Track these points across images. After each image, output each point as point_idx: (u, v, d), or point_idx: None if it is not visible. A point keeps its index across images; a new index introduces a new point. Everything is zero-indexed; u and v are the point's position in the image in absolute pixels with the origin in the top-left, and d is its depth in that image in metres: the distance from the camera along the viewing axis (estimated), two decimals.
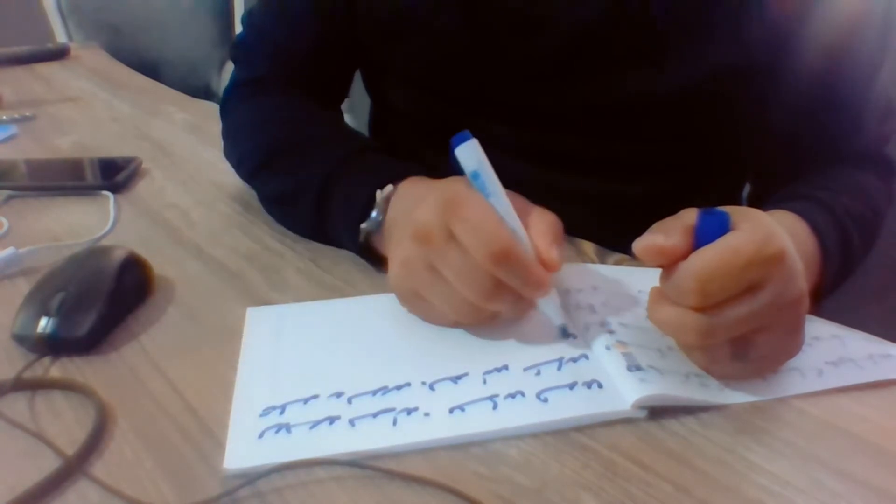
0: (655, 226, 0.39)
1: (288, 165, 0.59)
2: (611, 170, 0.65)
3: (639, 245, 0.38)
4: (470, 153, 0.42)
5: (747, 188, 0.77)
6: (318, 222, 0.56)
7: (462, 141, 0.42)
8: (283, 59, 0.69)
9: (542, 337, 0.45)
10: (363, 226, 0.51)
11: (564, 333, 0.44)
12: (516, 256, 0.40)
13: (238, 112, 0.69)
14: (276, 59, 0.69)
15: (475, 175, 0.42)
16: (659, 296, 0.39)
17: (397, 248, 0.45)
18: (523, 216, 0.43)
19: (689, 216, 0.39)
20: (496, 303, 0.41)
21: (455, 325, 0.45)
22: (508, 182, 0.69)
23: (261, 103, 0.68)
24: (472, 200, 0.41)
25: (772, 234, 0.37)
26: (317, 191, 0.55)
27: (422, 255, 0.42)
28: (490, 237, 0.39)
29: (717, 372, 0.41)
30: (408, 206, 0.47)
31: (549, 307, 0.44)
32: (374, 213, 0.51)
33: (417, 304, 0.45)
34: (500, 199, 0.42)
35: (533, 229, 0.43)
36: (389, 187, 0.51)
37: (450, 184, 0.44)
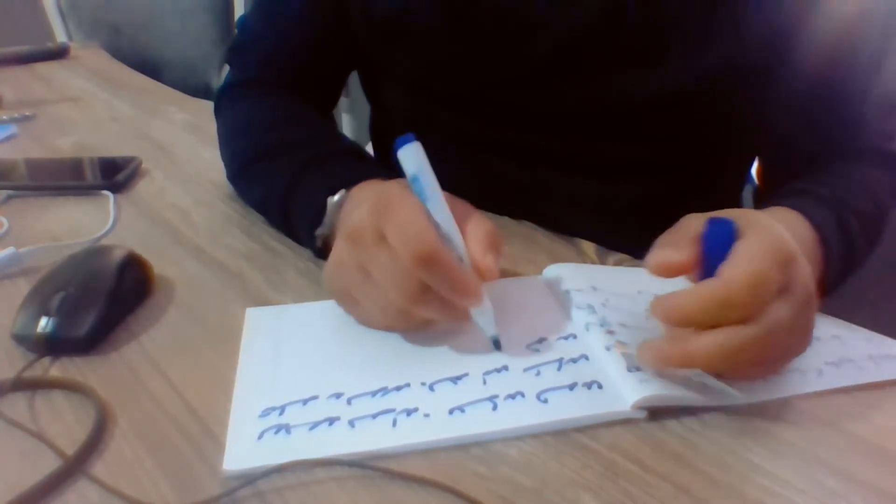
0: (662, 240, 0.40)
1: (261, 171, 0.61)
2: (610, 170, 0.65)
3: (652, 262, 0.39)
4: (411, 156, 0.42)
5: (747, 188, 0.77)
6: (287, 228, 0.58)
7: (405, 143, 0.42)
8: (273, 63, 0.70)
9: (543, 335, 0.45)
10: (317, 231, 0.52)
11: (497, 346, 0.43)
12: (442, 260, 0.39)
13: (228, 113, 0.70)
14: (265, 63, 0.70)
15: (414, 178, 0.42)
16: (675, 337, 0.38)
17: (334, 249, 0.45)
18: (462, 223, 0.43)
19: (691, 225, 0.39)
20: (423, 308, 0.41)
21: (387, 328, 0.45)
22: (508, 183, 0.69)
23: (247, 106, 0.69)
24: (404, 202, 0.41)
25: (781, 237, 0.38)
26: (281, 198, 0.57)
27: (353, 255, 0.42)
28: (416, 239, 0.39)
29: (731, 376, 0.40)
30: (354, 209, 0.47)
31: (481, 317, 0.43)
32: (326, 219, 0.51)
33: (349, 304, 0.45)
34: (438, 204, 0.42)
35: (470, 236, 0.43)
36: (342, 193, 0.51)
37: (390, 186, 0.44)
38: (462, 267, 0.41)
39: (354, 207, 0.45)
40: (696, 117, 0.61)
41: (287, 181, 0.56)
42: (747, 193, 0.78)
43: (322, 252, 0.53)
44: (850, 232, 0.53)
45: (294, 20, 0.68)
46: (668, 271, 0.39)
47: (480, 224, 0.43)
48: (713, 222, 0.39)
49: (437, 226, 0.42)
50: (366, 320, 0.46)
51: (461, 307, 0.42)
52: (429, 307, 0.41)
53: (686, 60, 0.57)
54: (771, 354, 0.39)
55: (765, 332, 0.36)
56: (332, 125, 0.68)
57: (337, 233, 0.50)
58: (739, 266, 0.37)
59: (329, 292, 0.46)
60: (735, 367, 0.39)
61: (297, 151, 0.59)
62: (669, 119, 0.61)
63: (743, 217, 0.39)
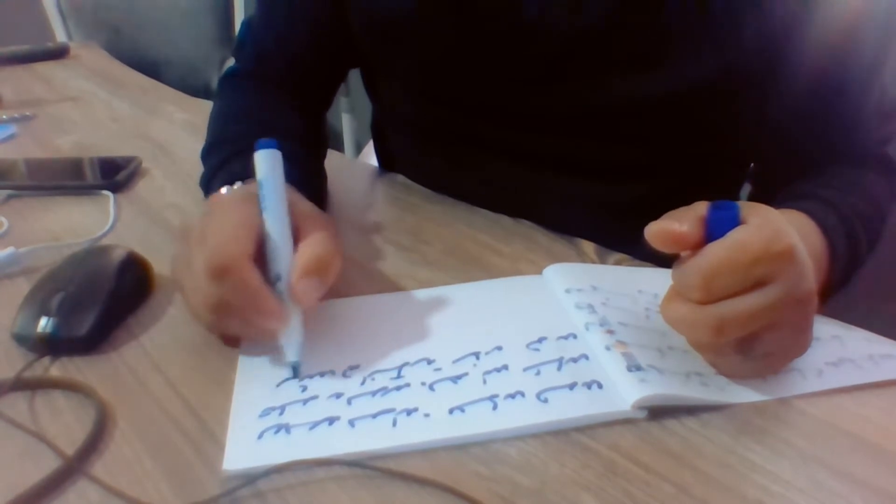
0: (668, 213, 0.39)
1: (207, 159, 0.63)
2: (609, 172, 0.65)
3: (651, 229, 0.38)
4: (261, 162, 0.42)
5: (746, 189, 0.77)
6: None
7: (263, 147, 0.42)
8: (270, 59, 0.71)
9: (543, 335, 0.45)
10: None
11: (295, 373, 0.41)
12: (237, 275, 0.38)
13: (218, 101, 0.72)
14: (260, 59, 0.72)
15: (260, 184, 0.42)
16: (672, 294, 0.39)
17: None
18: (302, 241, 0.42)
19: (702, 208, 0.39)
20: (220, 319, 0.40)
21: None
22: (507, 183, 0.68)
23: (234, 97, 0.71)
24: (231, 209, 0.40)
25: (780, 230, 0.37)
26: (205, 186, 0.60)
27: (181, 252, 0.43)
28: (215, 250, 0.38)
29: (722, 367, 0.41)
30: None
31: (285, 339, 0.41)
32: None
33: (183, 295, 0.45)
34: (275, 216, 0.42)
35: (297, 257, 0.42)
36: (237, 185, 0.51)
37: (245, 190, 0.44)
38: (264, 285, 0.40)
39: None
40: (695, 121, 0.61)
41: (212, 169, 0.59)
42: (744, 195, 0.78)
43: None
44: (855, 235, 0.53)
45: (293, 19, 0.69)
46: (665, 240, 0.38)
47: (312, 246, 0.42)
48: (717, 206, 0.38)
49: (266, 238, 0.41)
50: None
51: (265, 326, 0.40)
52: (229, 321, 0.41)
53: (684, 65, 0.57)
54: (747, 346, 0.39)
55: (722, 321, 0.36)
56: (298, 121, 0.68)
57: None
58: (709, 250, 0.37)
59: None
60: (691, 340, 0.41)
61: (233, 144, 0.60)
62: (668, 122, 0.61)
63: (750, 206, 0.39)
